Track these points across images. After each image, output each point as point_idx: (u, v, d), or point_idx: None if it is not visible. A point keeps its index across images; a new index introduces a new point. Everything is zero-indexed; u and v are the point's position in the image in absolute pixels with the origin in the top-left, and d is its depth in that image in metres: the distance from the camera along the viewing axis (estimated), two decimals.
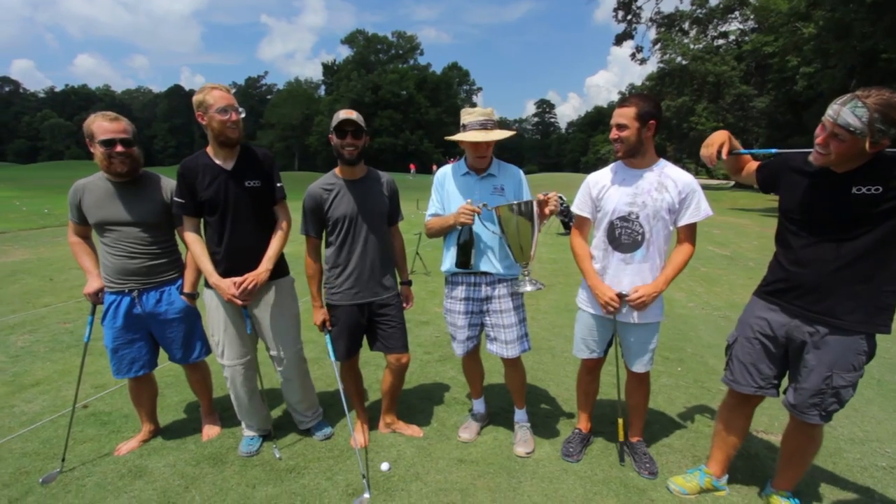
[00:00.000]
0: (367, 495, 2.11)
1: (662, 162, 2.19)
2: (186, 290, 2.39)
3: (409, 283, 2.59)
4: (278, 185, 2.38)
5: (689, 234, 2.17)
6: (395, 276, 2.52)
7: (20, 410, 2.94)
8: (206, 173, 2.22)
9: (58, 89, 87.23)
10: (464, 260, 2.32)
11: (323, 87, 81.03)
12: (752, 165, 2.10)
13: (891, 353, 4.16)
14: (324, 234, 2.43)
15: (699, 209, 2.11)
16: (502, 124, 2.38)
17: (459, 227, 2.29)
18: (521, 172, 2.45)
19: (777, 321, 1.93)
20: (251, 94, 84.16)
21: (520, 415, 2.68)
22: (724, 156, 2.01)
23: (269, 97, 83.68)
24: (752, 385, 2.01)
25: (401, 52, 76.80)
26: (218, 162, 2.25)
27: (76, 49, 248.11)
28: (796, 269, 1.86)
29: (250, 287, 2.23)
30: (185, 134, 79.12)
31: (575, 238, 2.38)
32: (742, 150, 2.06)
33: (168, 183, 2.40)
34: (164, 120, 79.34)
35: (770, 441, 2.71)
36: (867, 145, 1.56)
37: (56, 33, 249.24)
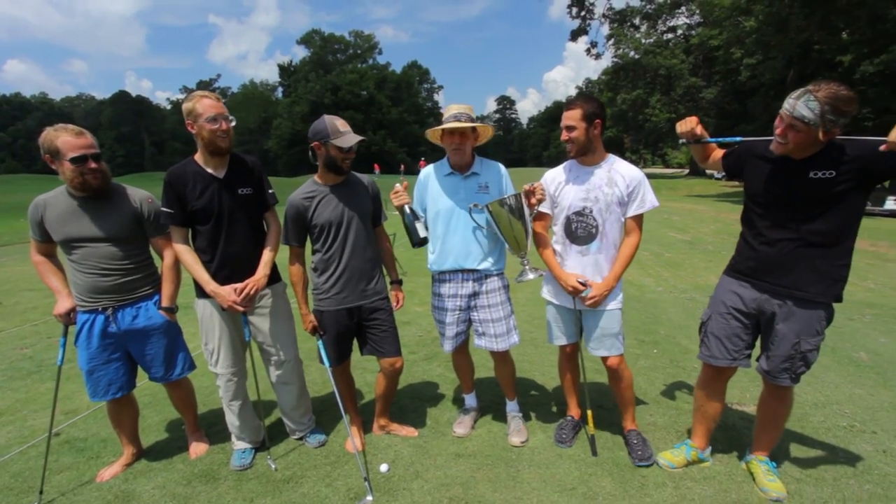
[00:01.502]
0: (369, 498, 2.11)
1: (612, 158, 2.31)
2: (165, 304, 2.31)
3: (400, 282, 2.60)
4: (269, 191, 2.38)
5: (635, 224, 2.30)
6: (384, 279, 2.52)
7: None
8: (197, 182, 2.17)
9: None
10: (411, 240, 2.32)
11: (280, 89, 79.06)
12: (718, 153, 2.25)
13: (841, 323, 4.50)
14: (307, 242, 2.41)
15: (645, 201, 2.25)
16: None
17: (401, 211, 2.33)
18: (503, 168, 2.51)
19: (748, 296, 2.09)
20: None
21: (511, 406, 2.74)
22: (698, 132, 2.12)
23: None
24: (727, 358, 2.16)
25: (359, 51, 75.85)
26: (209, 170, 2.21)
27: (4, 54, 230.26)
28: (763, 248, 2.02)
29: (252, 292, 2.22)
30: (133, 142, 75.20)
31: (537, 232, 2.47)
32: (709, 139, 2.19)
33: (136, 193, 2.30)
34: (110, 128, 74.97)
35: (744, 412, 2.89)
36: (821, 134, 1.73)
37: None
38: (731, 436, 2.61)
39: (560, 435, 2.58)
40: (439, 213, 2.42)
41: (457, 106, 2.34)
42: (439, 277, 2.51)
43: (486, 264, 2.43)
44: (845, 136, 1.84)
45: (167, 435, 2.79)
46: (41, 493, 2.21)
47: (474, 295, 2.46)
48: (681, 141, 2.19)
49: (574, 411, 2.70)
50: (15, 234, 12.94)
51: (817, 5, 18.37)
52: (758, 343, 2.21)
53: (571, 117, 2.20)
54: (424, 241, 2.32)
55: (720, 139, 2.22)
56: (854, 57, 22.34)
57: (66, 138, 2.05)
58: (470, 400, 2.82)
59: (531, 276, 2.33)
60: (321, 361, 2.40)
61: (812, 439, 2.60)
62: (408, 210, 2.30)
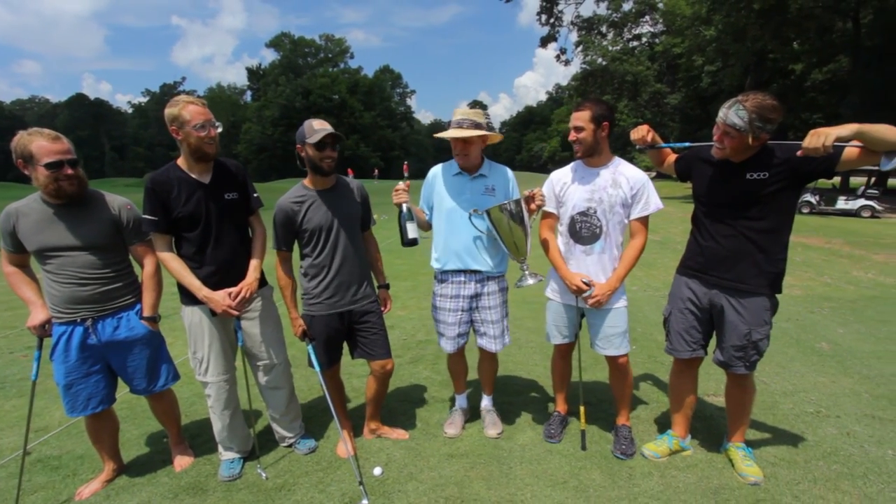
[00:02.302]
0: (365, 501, 2.11)
1: (617, 160, 2.38)
2: (147, 313, 2.25)
3: (387, 286, 2.61)
4: (254, 195, 2.36)
5: (639, 227, 2.35)
6: (372, 283, 2.53)
7: None
8: (182, 188, 2.12)
9: None
10: (401, 238, 2.35)
11: (249, 93, 77.38)
12: (671, 158, 2.44)
13: (801, 316, 4.77)
14: (295, 246, 2.39)
15: (649, 203, 2.31)
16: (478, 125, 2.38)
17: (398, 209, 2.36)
18: (510, 172, 2.55)
19: (700, 291, 2.25)
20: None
21: (487, 401, 2.82)
22: (649, 139, 2.30)
23: None
24: (688, 349, 2.32)
25: (330, 55, 75.17)
26: (194, 176, 2.17)
27: None
28: (709, 245, 2.19)
29: (247, 295, 2.21)
30: (92, 147, 71.93)
31: (543, 232, 2.52)
32: (663, 145, 2.37)
33: (115, 199, 2.23)
34: (66, 132, 65.59)
35: (719, 403, 3.03)
36: (750, 139, 1.93)
37: None
38: (709, 426, 2.74)
39: (549, 430, 2.64)
40: (444, 212, 2.44)
41: (462, 110, 2.33)
42: (442, 277, 2.53)
43: (489, 266, 2.46)
44: (776, 141, 2.03)
45: (149, 449, 2.69)
46: None
47: (476, 296, 2.49)
48: (637, 147, 2.35)
49: (561, 407, 2.77)
50: None
51: (771, 16, 19.44)
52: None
53: (580, 118, 2.25)
54: (414, 243, 2.34)
55: (671, 144, 2.41)
56: (805, 66, 23.70)
57: (40, 143, 1.98)
58: (461, 400, 2.84)
59: (531, 281, 2.37)
60: (311, 366, 2.39)
61: (783, 425, 2.75)
62: (405, 209, 2.32)
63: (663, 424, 2.74)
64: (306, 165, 2.27)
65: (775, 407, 2.96)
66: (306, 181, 2.33)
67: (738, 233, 2.08)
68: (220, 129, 2.17)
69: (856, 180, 19.29)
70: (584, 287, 2.32)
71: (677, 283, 2.36)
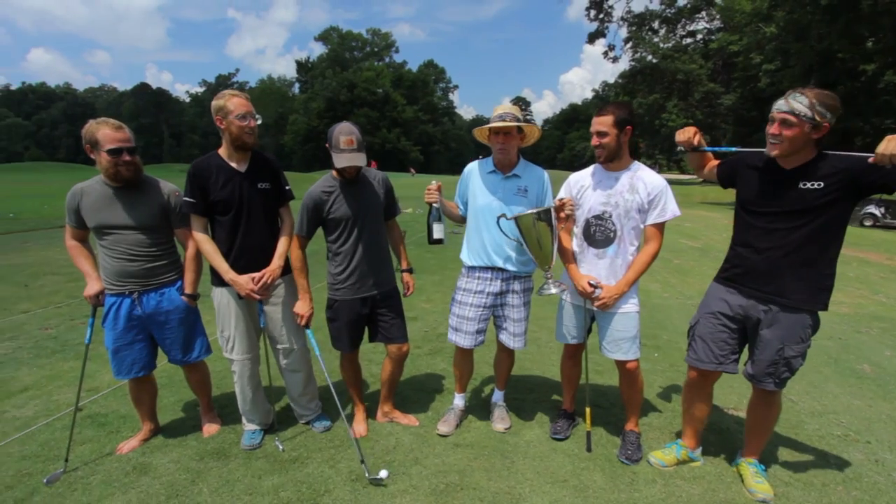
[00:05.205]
0: (384, 472, 2.28)
1: (637, 165, 2.36)
2: (188, 290, 2.45)
3: (411, 270, 2.73)
4: (287, 187, 2.52)
5: (654, 233, 2.31)
6: (392, 269, 2.65)
7: (12, 416, 2.92)
8: (220, 174, 2.31)
9: (14, 87, 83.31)
10: (428, 237, 2.46)
11: (297, 85, 79.83)
12: (713, 163, 2.33)
13: (845, 335, 4.50)
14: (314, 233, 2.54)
15: (665, 210, 2.27)
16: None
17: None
18: (546, 174, 2.56)
19: (735, 302, 2.15)
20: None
21: (498, 395, 2.87)
22: (696, 142, 2.21)
23: None
24: (713, 362, 2.21)
25: (376, 49, 76.33)
26: (232, 164, 2.35)
27: (28, 44, 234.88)
28: (751, 255, 2.09)
29: (269, 281, 2.36)
30: (153, 133, 76.66)
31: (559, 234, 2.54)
32: (706, 148, 2.27)
33: (166, 186, 2.45)
34: (130, 119, 76.46)
35: (739, 417, 2.94)
36: (820, 120, 1.81)
37: (7, 27, 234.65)
38: (724, 439, 2.67)
39: (555, 428, 2.67)
40: (475, 209, 2.51)
41: (503, 106, 2.40)
42: (469, 273, 2.59)
43: (518, 265, 2.50)
44: (834, 151, 1.92)
45: (182, 414, 2.94)
46: (66, 461, 2.37)
47: (502, 294, 2.54)
48: (679, 149, 2.27)
49: (569, 406, 2.79)
50: (41, 220, 13.37)
51: (839, 13, 18.09)
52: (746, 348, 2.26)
53: (603, 123, 2.23)
54: (439, 242, 2.45)
55: (716, 149, 2.30)
56: (878, 66, 21.88)
57: (105, 131, 2.22)
58: (459, 400, 2.83)
59: (554, 290, 2.35)
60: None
61: (805, 446, 2.64)
62: (434, 209, 2.43)
63: (675, 434, 2.70)
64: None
65: (799, 426, 2.84)
66: (334, 172, 2.45)
67: (783, 244, 1.97)
68: (259, 122, 2.35)
69: None
70: (590, 288, 2.32)
71: (711, 293, 2.27)
